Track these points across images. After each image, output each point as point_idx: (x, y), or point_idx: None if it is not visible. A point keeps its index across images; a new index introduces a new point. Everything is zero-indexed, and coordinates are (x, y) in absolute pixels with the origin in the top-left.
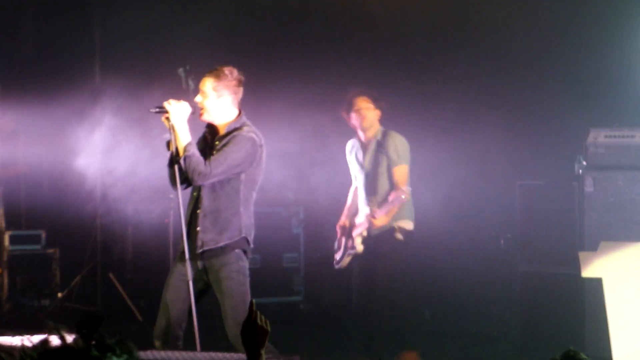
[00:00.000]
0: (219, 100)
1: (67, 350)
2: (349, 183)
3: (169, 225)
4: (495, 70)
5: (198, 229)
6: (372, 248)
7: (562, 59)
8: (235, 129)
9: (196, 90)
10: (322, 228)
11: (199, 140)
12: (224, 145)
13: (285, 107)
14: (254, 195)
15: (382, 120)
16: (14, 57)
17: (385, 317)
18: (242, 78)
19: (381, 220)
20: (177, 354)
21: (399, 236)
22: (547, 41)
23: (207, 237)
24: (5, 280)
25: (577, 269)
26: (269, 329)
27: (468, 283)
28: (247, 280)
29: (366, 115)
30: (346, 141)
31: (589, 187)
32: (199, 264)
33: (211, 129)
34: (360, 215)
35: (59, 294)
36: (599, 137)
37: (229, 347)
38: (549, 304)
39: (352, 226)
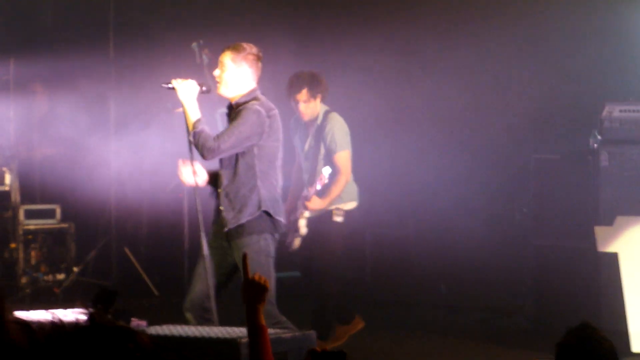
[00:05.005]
0: (237, 70)
1: (95, 325)
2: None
3: (183, 199)
4: (512, 43)
5: (221, 208)
6: (312, 230)
7: (578, 32)
8: (245, 103)
9: (210, 65)
10: None
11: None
12: (232, 119)
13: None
14: (276, 166)
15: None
16: (31, 30)
17: (330, 295)
18: (261, 54)
19: (316, 203)
20: (185, 328)
21: (337, 218)
22: (563, 15)
23: (229, 216)
24: (21, 255)
25: (593, 243)
26: (267, 286)
27: (484, 257)
28: (270, 260)
29: (303, 110)
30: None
31: (604, 161)
32: (224, 242)
33: (230, 106)
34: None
35: (74, 269)
36: (614, 111)
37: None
38: (564, 278)
39: (296, 208)
